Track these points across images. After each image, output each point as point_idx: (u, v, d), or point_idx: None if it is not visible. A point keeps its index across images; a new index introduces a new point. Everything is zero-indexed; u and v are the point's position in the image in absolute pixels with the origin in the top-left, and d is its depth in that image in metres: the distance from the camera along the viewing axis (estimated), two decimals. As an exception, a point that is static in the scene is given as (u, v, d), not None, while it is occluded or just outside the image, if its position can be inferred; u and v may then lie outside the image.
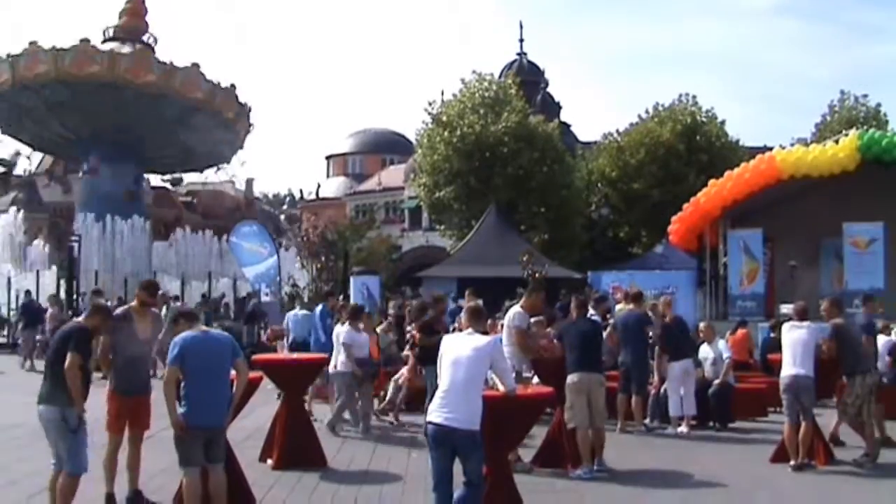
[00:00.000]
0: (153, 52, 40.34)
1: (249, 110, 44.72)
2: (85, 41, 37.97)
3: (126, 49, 40.30)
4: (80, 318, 7.08)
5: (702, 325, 13.69)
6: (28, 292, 25.13)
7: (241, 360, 6.92)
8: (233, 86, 42.41)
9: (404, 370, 13.79)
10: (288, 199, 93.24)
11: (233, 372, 6.90)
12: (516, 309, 9.88)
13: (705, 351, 12.67)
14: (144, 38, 43.18)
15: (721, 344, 12.87)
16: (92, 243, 35.29)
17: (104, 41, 41.91)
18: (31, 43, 38.16)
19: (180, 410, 6.52)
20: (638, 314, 12.19)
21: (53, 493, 6.65)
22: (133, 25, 42.96)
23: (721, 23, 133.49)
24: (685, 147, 35.72)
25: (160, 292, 10.22)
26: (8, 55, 38.36)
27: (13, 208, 43.46)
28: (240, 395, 6.96)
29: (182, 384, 6.56)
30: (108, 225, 38.04)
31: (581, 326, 9.65)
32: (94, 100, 37.38)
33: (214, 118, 41.53)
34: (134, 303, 7.88)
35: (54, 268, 32.29)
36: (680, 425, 11.70)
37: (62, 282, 28.01)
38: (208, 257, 39.66)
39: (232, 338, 7.00)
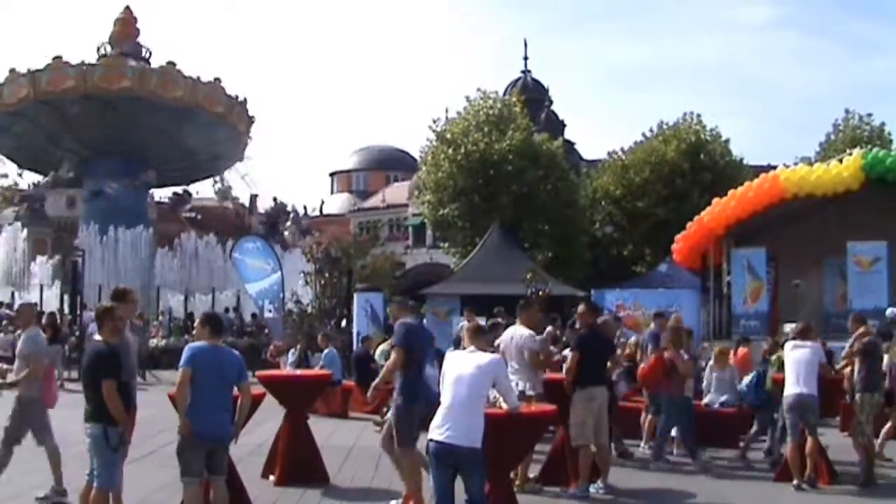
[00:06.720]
0: (176, 67, 40.46)
1: (252, 120, 45.71)
2: (104, 56, 38.34)
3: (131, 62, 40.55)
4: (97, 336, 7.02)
5: (716, 348, 13.37)
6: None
7: (247, 383, 6.93)
8: (245, 100, 43.91)
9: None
10: (292, 215, 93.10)
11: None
12: (525, 332, 9.26)
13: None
14: (142, 53, 43.31)
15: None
16: (95, 257, 35.28)
17: (99, 59, 41.97)
18: (55, 58, 38.13)
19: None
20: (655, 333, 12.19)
21: None
22: (126, 41, 43.01)
23: (721, 38, 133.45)
24: (689, 165, 35.72)
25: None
26: (29, 70, 38.29)
27: (17, 223, 43.48)
28: (244, 418, 6.97)
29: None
30: (111, 238, 38.09)
31: (601, 339, 9.44)
32: (115, 115, 37.59)
33: (229, 130, 42.56)
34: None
35: (58, 282, 32.28)
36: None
37: (66, 296, 27.98)
38: (211, 272, 39.61)
39: (241, 358, 6.97)
